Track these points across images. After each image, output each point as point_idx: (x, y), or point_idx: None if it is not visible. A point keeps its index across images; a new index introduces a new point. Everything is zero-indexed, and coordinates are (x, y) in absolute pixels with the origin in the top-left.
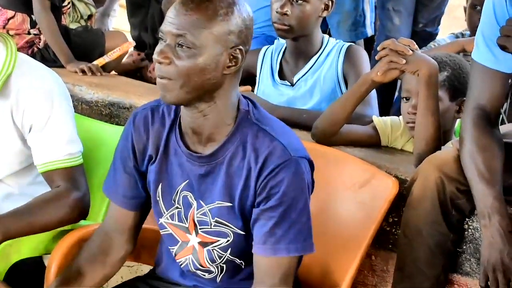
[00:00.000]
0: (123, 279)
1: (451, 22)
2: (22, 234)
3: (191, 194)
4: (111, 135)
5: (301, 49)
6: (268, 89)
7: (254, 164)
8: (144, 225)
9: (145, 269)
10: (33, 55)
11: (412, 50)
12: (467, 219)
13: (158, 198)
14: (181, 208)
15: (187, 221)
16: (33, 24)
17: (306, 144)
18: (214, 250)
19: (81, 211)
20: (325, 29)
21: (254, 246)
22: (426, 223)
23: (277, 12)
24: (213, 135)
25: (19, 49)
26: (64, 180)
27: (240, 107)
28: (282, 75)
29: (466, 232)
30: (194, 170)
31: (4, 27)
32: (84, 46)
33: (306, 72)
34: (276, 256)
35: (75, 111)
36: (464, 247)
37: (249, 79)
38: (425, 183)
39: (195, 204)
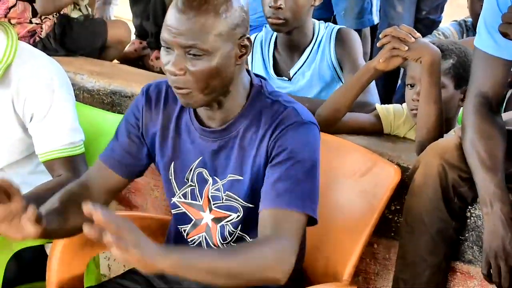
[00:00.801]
0: (125, 268)
1: (454, 10)
2: None
3: (205, 171)
4: (112, 123)
5: (294, 42)
6: None
7: (267, 131)
8: (146, 214)
9: None
10: (34, 44)
11: (414, 38)
12: (469, 207)
13: (170, 177)
14: (195, 186)
15: (201, 199)
16: (35, 13)
17: None
18: (226, 226)
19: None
20: (330, 16)
21: (260, 205)
22: (428, 211)
23: (270, 6)
24: (228, 114)
25: (21, 38)
26: (66, 169)
27: (253, 82)
28: (276, 69)
29: (468, 220)
30: (207, 146)
31: (5, 16)
32: (86, 35)
33: (302, 65)
34: (276, 207)
35: (76, 100)
36: (466, 234)
37: None
38: (427, 171)
39: (210, 180)
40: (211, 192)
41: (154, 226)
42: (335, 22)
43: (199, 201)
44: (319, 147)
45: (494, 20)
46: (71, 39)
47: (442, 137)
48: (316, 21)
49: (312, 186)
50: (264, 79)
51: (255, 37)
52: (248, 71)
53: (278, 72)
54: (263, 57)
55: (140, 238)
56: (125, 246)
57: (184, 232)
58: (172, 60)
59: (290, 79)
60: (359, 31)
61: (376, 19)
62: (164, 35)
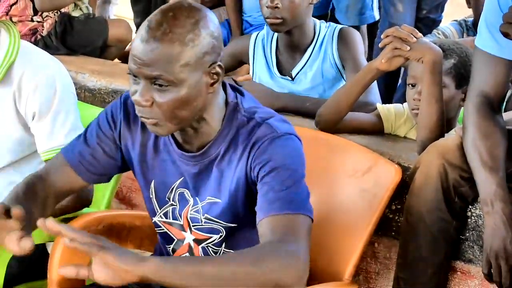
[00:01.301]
0: None
1: (454, 9)
2: None
3: (187, 191)
4: None
5: (295, 42)
6: (266, 81)
7: (244, 151)
8: (145, 213)
9: None
10: (36, 43)
11: (415, 38)
12: (470, 207)
13: (151, 196)
14: (176, 205)
15: (181, 219)
16: (36, 11)
17: (309, 132)
18: (208, 247)
19: (84, 199)
20: (326, 12)
21: (257, 220)
22: (429, 210)
23: (267, 7)
24: (204, 136)
25: (23, 36)
26: None
27: (228, 100)
28: (279, 68)
29: (469, 220)
30: (188, 169)
31: (7, 14)
32: (87, 34)
33: (304, 65)
34: (270, 215)
35: (78, 99)
36: (467, 234)
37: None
38: (428, 171)
39: (191, 201)
40: (190, 214)
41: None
42: (331, 18)
43: (180, 221)
44: (302, 156)
45: (495, 20)
46: (72, 37)
47: (443, 136)
48: (317, 21)
49: (302, 191)
50: (239, 91)
51: (257, 35)
52: (224, 85)
53: (281, 71)
54: (265, 55)
55: (113, 244)
56: (97, 251)
57: (170, 249)
58: (138, 90)
59: (292, 79)
60: (357, 27)
61: (376, 15)
62: (130, 64)
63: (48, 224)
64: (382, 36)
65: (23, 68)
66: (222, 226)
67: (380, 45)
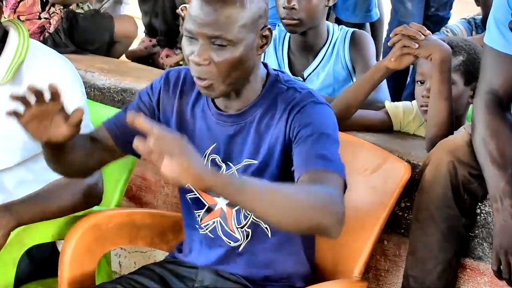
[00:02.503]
0: (136, 265)
1: (463, 6)
2: (35, 220)
3: (218, 157)
4: None
5: (309, 43)
6: None
7: (283, 114)
8: (157, 211)
9: (157, 254)
10: (44, 41)
11: (424, 35)
12: (479, 204)
13: None
14: None
15: None
16: (44, 7)
17: None
18: (242, 209)
19: (95, 197)
20: (328, 12)
21: (295, 176)
22: (438, 207)
23: (284, 8)
24: (244, 100)
25: (31, 35)
26: None
27: (270, 71)
28: (291, 69)
29: (478, 217)
30: (223, 131)
31: (14, 12)
32: (93, 30)
33: (317, 66)
34: (309, 169)
35: (87, 98)
36: (477, 231)
37: None
38: (437, 168)
39: (224, 166)
40: None
41: (165, 223)
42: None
43: None
44: (337, 126)
45: (504, 17)
46: (79, 33)
47: (452, 134)
48: (330, 23)
49: (338, 155)
50: (282, 72)
51: None
52: (263, 63)
53: (293, 71)
54: (276, 55)
55: (189, 147)
56: (170, 153)
57: (199, 217)
58: (196, 50)
59: (304, 80)
60: (361, 25)
61: (378, 13)
62: (189, 25)
63: (139, 119)
64: (390, 35)
65: (32, 67)
66: None
67: (389, 43)
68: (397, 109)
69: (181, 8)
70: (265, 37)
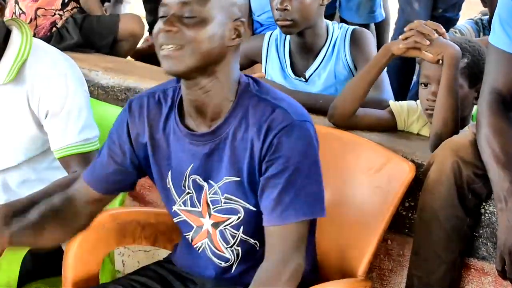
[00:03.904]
0: (140, 264)
1: (469, 6)
2: None
3: (198, 177)
4: None
5: (308, 44)
6: (279, 81)
7: (256, 134)
8: (161, 210)
9: (161, 253)
10: (51, 35)
11: (438, 34)
12: (483, 204)
13: (169, 186)
14: (192, 193)
15: (200, 205)
16: (64, 7)
17: (322, 129)
18: (226, 230)
19: None
20: (333, 12)
21: (264, 218)
22: (442, 207)
23: (277, 9)
24: (217, 111)
25: (42, 29)
26: (81, 165)
27: (241, 80)
28: (293, 70)
29: (482, 217)
30: (198, 151)
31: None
32: (100, 27)
33: (318, 67)
34: (284, 223)
35: (91, 96)
36: (481, 231)
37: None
38: (442, 167)
39: (205, 185)
40: (210, 197)
41: (169, 222)
42: (341, 19)
43: (198, 208)
44: (316, 142)
45: (508, 17)
46: (85, 29)
47: (457, 133)
48: (330, 22)
49: (317, 184)
50: (253, 78)
51: (270, 35)
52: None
53: (295, 72)
54: (278, 56)
55: None
56: None
57: (189, 238)
58: (166, 18)
59: (306, 80)
60: (366, 26)
61: (383, 13)
62: (162, 2)
63: None
64: (405, 29)
65: (35, 66)
66: (241, 206)
67: (401, 37)
68: (401, 108)
69: None
70: (238, 31)
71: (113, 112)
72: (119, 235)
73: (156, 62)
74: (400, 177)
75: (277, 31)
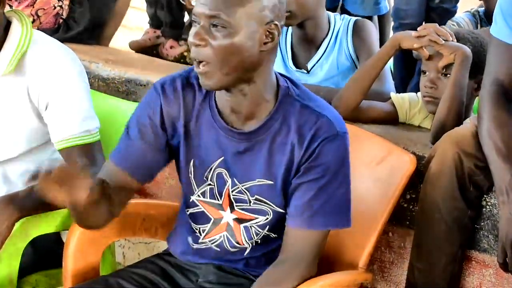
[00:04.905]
0: (140, 256)
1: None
2: (39, 211)
3: (226, 171)
4: (127, 112)
5: (309, 35)
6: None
7: (300, 141)
8: (162, 202)
9: (162, 245)
10: (58, 27)
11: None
12: (485, 196)
13: (190, 175)
14: (214, 185)
15: (221, 198)
16: None
17: None
18: (252, 227)
19: None
20: (337, 4)
21: (289, 219)
22: (443, 199)
23: None
24: (254, 113)
25: (47, 23)
26: (82, 157)
27: (280, 83)
28: (294, 62)
29: (484, 209)
30: (231, 147)
31: (33, 6)
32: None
33: (320, 58)
34: (310, 229)
35: (91, 88)
36: (482, 223)
37: None
38: (443, 160)
39: (229, 181)
40: (233, 194)
41: (170, 214)
42: (343, 10)
43: (219, 200)
44: (349, 157)
45: (510, 9)
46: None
47: (459, 125)
48: (331, 14)
49: (347, 194)
50: (288, 78)
51: None
52: (276, 72)
53: (296, 64)
54: (280, 49)
55: None
56: None
57: (202, 231)
58: (195, 30)
59: (308, 72)
60: (370, 18)
61: (388, 5)
62: (194, 8)
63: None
64: (419, 29)
65: (35, 58)
66: (271, 209)
67: (414, 34)
68: (402, 100)
69: None
70: (271, 34)
71: (113, 104)
72: (120, 227)
73: (156, 55)
74: (401, 169)
75: None
